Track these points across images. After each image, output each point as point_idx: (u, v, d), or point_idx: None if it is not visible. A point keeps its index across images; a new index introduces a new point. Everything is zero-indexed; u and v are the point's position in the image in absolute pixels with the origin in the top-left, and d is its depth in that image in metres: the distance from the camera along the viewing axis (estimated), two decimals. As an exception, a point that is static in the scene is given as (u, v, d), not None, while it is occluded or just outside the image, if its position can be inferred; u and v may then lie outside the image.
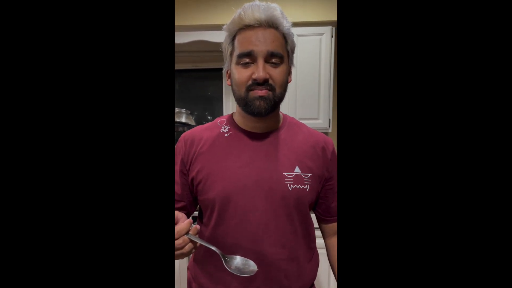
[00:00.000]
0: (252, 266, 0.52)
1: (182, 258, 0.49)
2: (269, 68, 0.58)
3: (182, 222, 0.49)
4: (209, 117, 2.33)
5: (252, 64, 0.58)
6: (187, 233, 0.48)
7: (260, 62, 0.57)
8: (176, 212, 0.52)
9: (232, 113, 0.71)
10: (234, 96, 0.62)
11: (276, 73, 0.58)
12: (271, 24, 0.58)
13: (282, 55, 0.59)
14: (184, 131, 2.17)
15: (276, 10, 0.59)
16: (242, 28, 0.59)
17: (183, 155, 0.65)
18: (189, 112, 2.05)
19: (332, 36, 1.72)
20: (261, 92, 0.58)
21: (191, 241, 0.49)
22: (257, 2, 0.59)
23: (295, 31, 1.67)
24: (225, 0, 1.79)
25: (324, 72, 1.73)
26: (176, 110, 2.03)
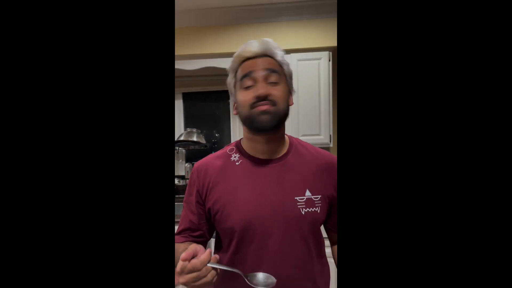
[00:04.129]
0: (271, 278, 0.56)
1: (206, 286, 0.50)
2: (269, 86, 0.62)
3: (202, 254, 0.50)
4: (216, 135, 2.45)
5: (253, 87, 0.62)
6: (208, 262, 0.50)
7: (260, 80, 0.62)
8: (194, 245, 0.54)
9: (240, 140, 0.73)
10: (240, 119, 0.66)
11: (275, 90, 0.62)
12: (266, 54, 0.65)
13: (278, 71, 0.64)
14: (195, 149, 2.29)
15: (270, 42, 0.66)
16: (243, 61, 0.66)
17: (198, 187, 0.67)
18: (199, 131, 2.20)
19: (329, 60, 1.86)
20: (263, 107, 0.60)
21: (213, 268, 0.51)
22: (254, 40, 0.66)
23: (295, 56, 1.86)
24: (229, 32, 1.97)
25: (323, 92, 1.86)
26: (188, 130, 2.18)
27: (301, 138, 1.85)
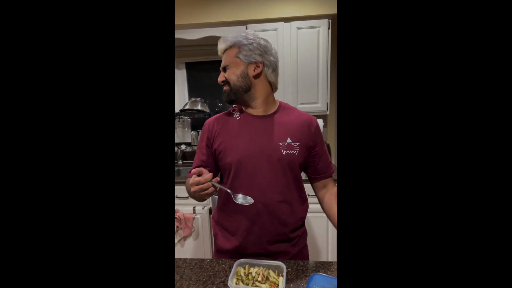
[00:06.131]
0: (249, 199, 0.80)
1: (207, 197, 0.75)
2: (223, 73, 0.90)
3: (206, 174, 0.74)
4: (219, 104, 2.52)
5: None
6: (210, 180, 0.74)
7: (221, 70, 0.92)
8: (201, 168, 0.76)
9: None
10: None
11: (227, 75, 0.89)
12: (228, 49, 0.89)
13: (229, 65, 0.88)
14: (199, 118, 2.40)
15: (228, 40, 0.88)
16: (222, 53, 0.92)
17: (208, 134, 0.92)
18: (203, 100, 2.29)
19: (328, 28, 1.87)
20: (224, 88, 0.91)
21: (213, 185, 0.75)
22: (225, 36, 0.88)
23: (295, 24, 1.91)
24: (230, 0, 1.98)
25: (322, 61, 1.90)
26: (192, 99, 2.27)
27: (299, 106, 2.03)
